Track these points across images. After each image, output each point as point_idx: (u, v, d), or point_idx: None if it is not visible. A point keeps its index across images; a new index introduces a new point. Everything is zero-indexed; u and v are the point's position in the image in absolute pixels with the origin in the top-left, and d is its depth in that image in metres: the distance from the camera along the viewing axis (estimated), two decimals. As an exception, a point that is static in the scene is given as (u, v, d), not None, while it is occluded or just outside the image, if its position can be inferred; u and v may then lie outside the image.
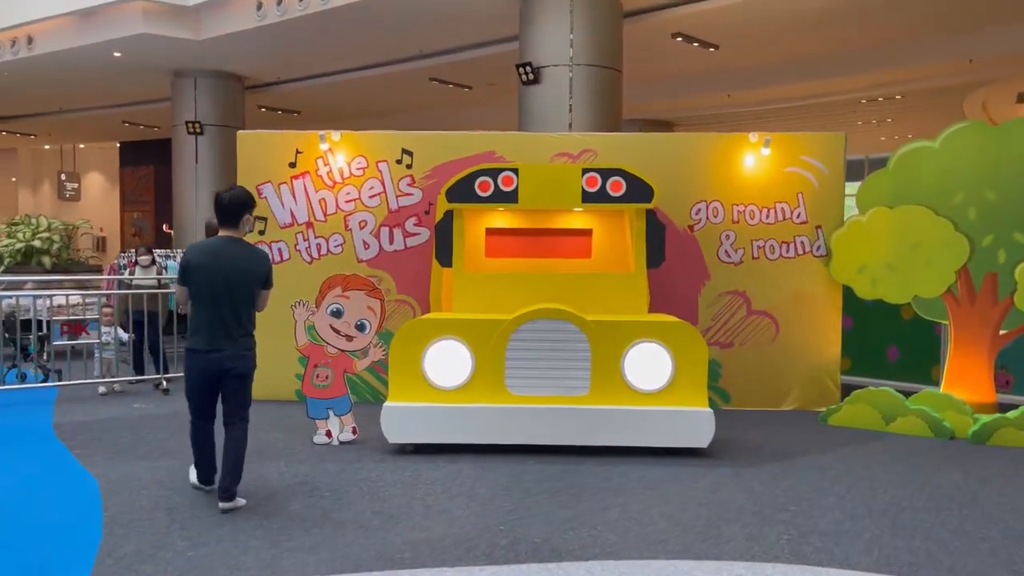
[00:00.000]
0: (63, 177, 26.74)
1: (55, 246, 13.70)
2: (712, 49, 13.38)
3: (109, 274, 10.85)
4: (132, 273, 9.28)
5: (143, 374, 8.65)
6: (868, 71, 14.11)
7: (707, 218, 7.59)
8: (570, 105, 10.44)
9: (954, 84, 14.81)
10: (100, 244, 27.18)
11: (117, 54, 14.48)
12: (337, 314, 6.12)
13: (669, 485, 5.12)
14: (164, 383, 8.35)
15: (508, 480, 5.19)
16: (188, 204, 15.97)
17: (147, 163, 24.37)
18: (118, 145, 25.60)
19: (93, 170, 28.51)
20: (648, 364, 5.79)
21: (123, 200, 25.83)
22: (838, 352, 7.57)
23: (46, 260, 13.45)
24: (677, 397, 5.78)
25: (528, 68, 10.56)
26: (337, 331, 6.13)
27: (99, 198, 28.33)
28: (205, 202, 15.09)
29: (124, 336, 8.33)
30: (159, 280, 8.93)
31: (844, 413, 6.92)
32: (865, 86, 15.23)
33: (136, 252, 9.79)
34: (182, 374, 8.55)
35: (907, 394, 6.83)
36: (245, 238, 4.88)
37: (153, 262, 9.26)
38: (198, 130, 15.51)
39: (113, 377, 8.25)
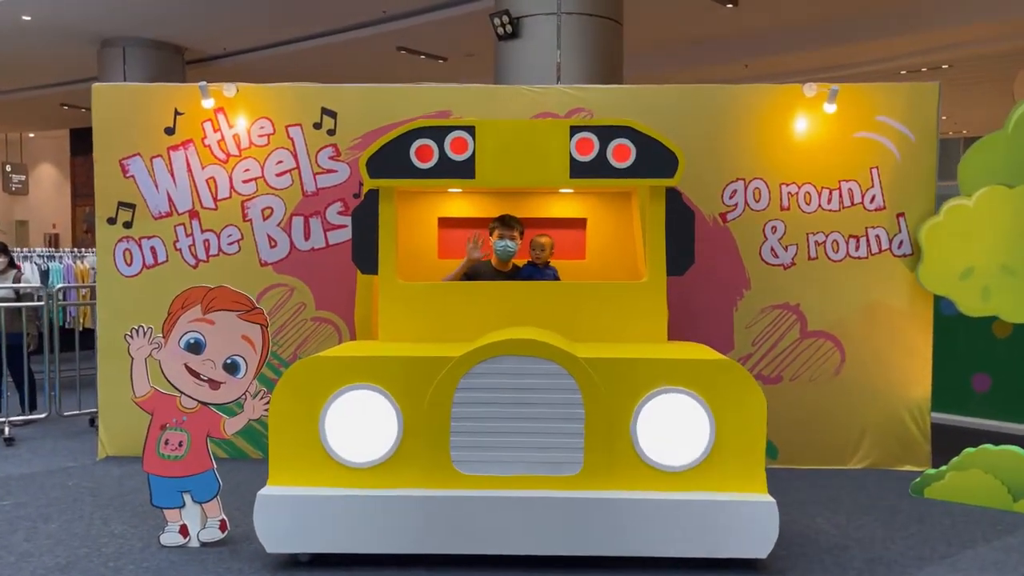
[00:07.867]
0: (8, 168, 24.53)
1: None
2: (729, 6, 11.30)
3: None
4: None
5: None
6: (913, 33, 12.03)
7: (746, 203, 5.50)
8: (558, 64, 8.35)
9: (1011, 50, 12.77)
10: (52, 241, 24.99)
11: (26, 17, 12.36)
12: (195, 347, 3.99)
13: (717, 647, 3.03)
14: (7, 429, 6.18)
15: (446, 637, 3.09)
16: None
17: (100, 152, 22.15)
18: (69, 133, 23.43)
19: (44, 161, 26.35)
20: (674, 426, 3.72)
21: (74, 193, 23.67)
22: (927, 389, 5.48)
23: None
24: (719, 479, 3.71)
25: (505, 18, 8.44)
26: (196, 374, 4.00)
27: (50, 191, 26.19)
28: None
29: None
30: (18, 291, 6.82)
31: (950, 483, 4.83)
32: (907, 52, 13.18)
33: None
34: (43, 416, 6.65)
35: (1000, 439, 4.84)
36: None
37: (11, 265, 7.13)
38: (127, 108, 13.36)
39: (-60, 421, 6.12)
